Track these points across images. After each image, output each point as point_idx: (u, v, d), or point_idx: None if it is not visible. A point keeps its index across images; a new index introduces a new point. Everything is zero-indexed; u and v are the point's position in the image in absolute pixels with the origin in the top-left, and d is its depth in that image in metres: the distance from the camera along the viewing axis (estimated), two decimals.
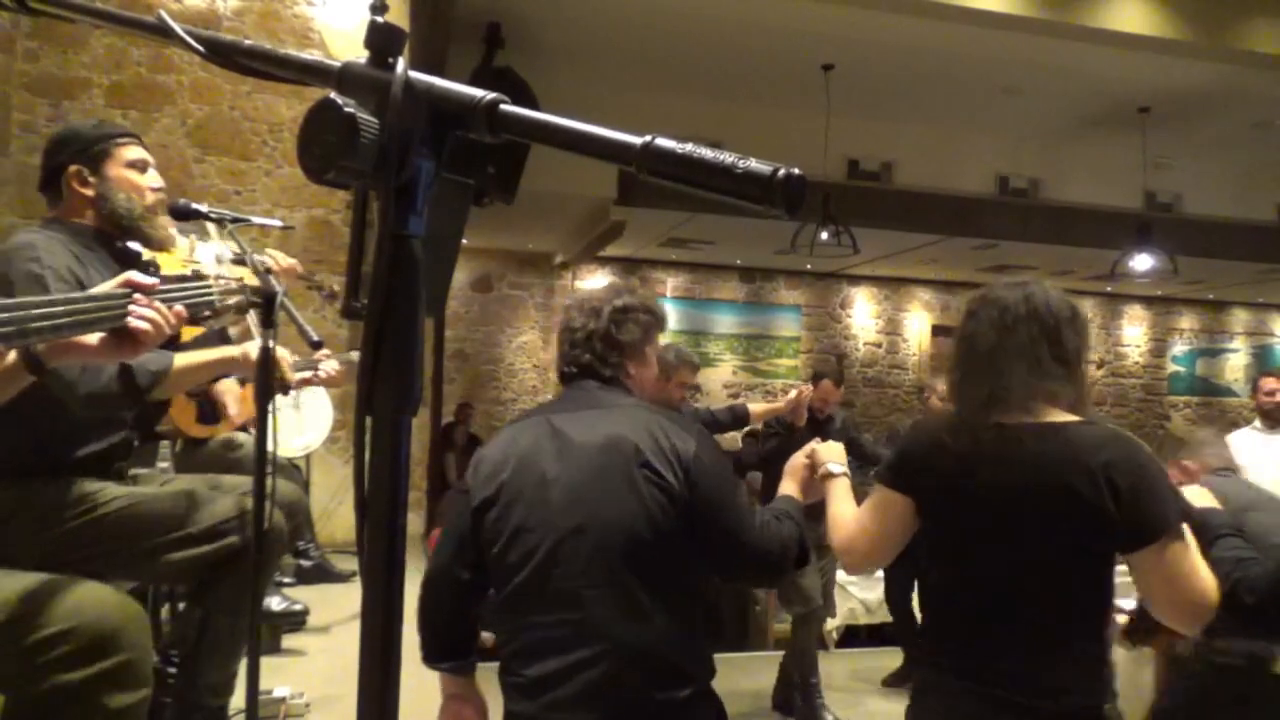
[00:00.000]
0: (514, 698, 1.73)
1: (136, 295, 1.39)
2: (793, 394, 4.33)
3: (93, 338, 1.37)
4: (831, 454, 1.96)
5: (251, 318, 2.26)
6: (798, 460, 1.98)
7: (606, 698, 1.62)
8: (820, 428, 4.66)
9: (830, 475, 1.92)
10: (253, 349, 2.02)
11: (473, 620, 1.91)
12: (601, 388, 1.86)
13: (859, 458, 5.01)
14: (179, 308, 1.47)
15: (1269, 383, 4.54)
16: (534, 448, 1.77)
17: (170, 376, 1.88)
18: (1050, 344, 1.61)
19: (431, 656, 1.94)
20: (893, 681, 5.30)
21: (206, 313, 1.79)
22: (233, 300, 1.86)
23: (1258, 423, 4.62)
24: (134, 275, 1.42)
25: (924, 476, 1.67)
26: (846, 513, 1.83)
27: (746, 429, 5.59)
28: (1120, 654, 2.88)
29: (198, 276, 1.76)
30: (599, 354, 1.87)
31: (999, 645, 1.59)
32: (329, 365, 2.90)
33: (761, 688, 5.02)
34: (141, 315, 1.38)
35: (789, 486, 1.94)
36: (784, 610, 4.97)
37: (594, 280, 11.36)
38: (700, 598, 1.77)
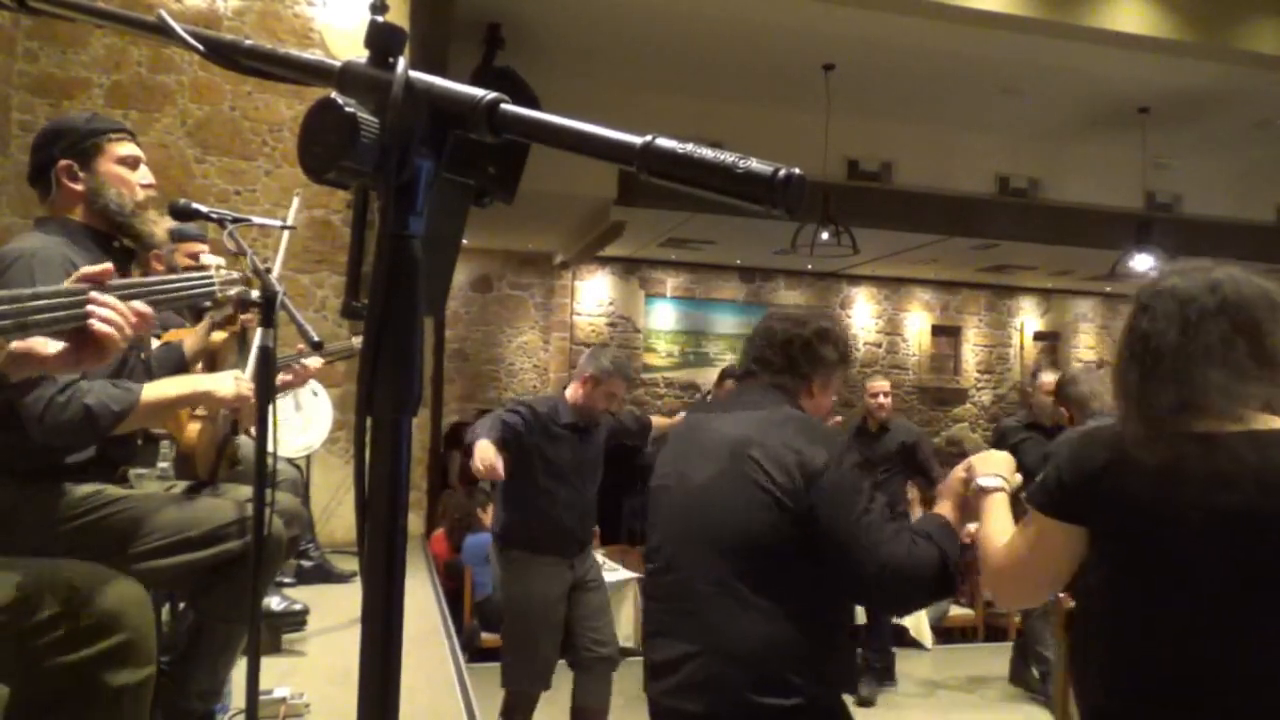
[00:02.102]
0: (648, 681, 1.81)
1: (93, 293, 1.23)
2: (682, 415, 4.29)
3: (51, 346, 1.23)
4: (991, 465, 1.72)
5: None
6: (955, 475, 1.78)
7: (707, 693, 1.66)
8: None
9: (982, 490, 1.68)
10: (221, 384, 1.98)
11: None
12: (772, 391, 1.83)
13: None
14: (140, 305, 1.30)
15: None
16: (687, 441, 1.87)
17: (136, 412, 1.81)
18: (1248, 341, 1.34)
19: None
20: None
21: (207, 303, 1.78)
22: (233, 291, 1.85)
23: None
24: (86, 269, 1.28)
25: (1106, 500, 1.37)
26: (998, 539, 1.55)
27: None
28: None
29: (198, 268, 1.75)
30: (792, 360, 1.85)
31: (1217, 697, 1.30)
32: (313, 361, 2.89)
33: None
34: (103, 318, 1.22)
35: (943, 505, 1.77)
36: None
37: (594, 280, 11.37)
38: (823, 610, 1.71)
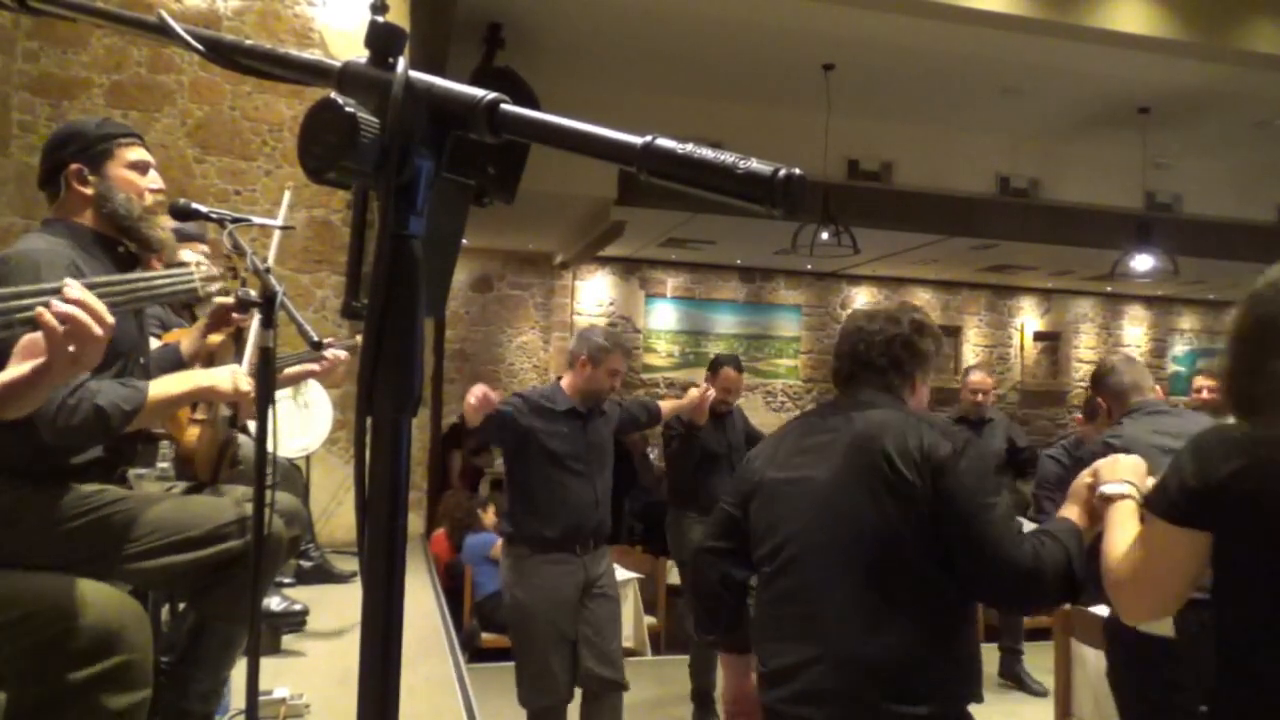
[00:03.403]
0: (762, 688, 1.76)
1: (66, 289, 1.17)
2: (693, 391, 4.19)
3: (24, 368, 1.20)
4: (1120, 470, 1.63)
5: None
6: (1081, 480, 1.72)
7: (832, 700, 1.61)
8: (721, 423, 4.57)
9: (1106, 498, 1.59)
10: (222, 379, 1.99)
11: (739, 598, 1.90)
12: (880, 394, 1.81)
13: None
14: (97, 306, 1.20)
15: (1199, 381, 4.57)
16: (796, 445, 1.82)
17: (144, 411, 1.83)
18: None
19: (699, 628, 1.99)
20: None
21: (193, 300, 1.79)
22: (214, 287, 1.85)
23: None
24: (69, 282, 1.21)
25: (1237, 506, 1.30)
26: (1119, 548, 1.46)
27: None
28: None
29: (178, 265, 1.75)
30: (896, 359, 1.83)
31: None
32: (336, 351, 2.88)
33: None
34: (64, 314, 1.15)
35: (1070, 509, 1.71)
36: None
37: (594, 280, 11.37)
38: (954, 618, 1.67)
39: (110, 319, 1.20)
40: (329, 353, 2.87)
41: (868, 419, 1.73)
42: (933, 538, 1.60)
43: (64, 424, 1.69)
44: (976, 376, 5.50)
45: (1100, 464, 1.67)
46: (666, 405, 4.18)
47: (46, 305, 1.14)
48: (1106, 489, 1.60)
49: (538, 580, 3.28)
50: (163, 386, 1.90)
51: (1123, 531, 1.49)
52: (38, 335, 1.17)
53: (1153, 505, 1.42)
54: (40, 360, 1.19)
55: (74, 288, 1.17)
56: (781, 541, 1.73)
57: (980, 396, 5.37)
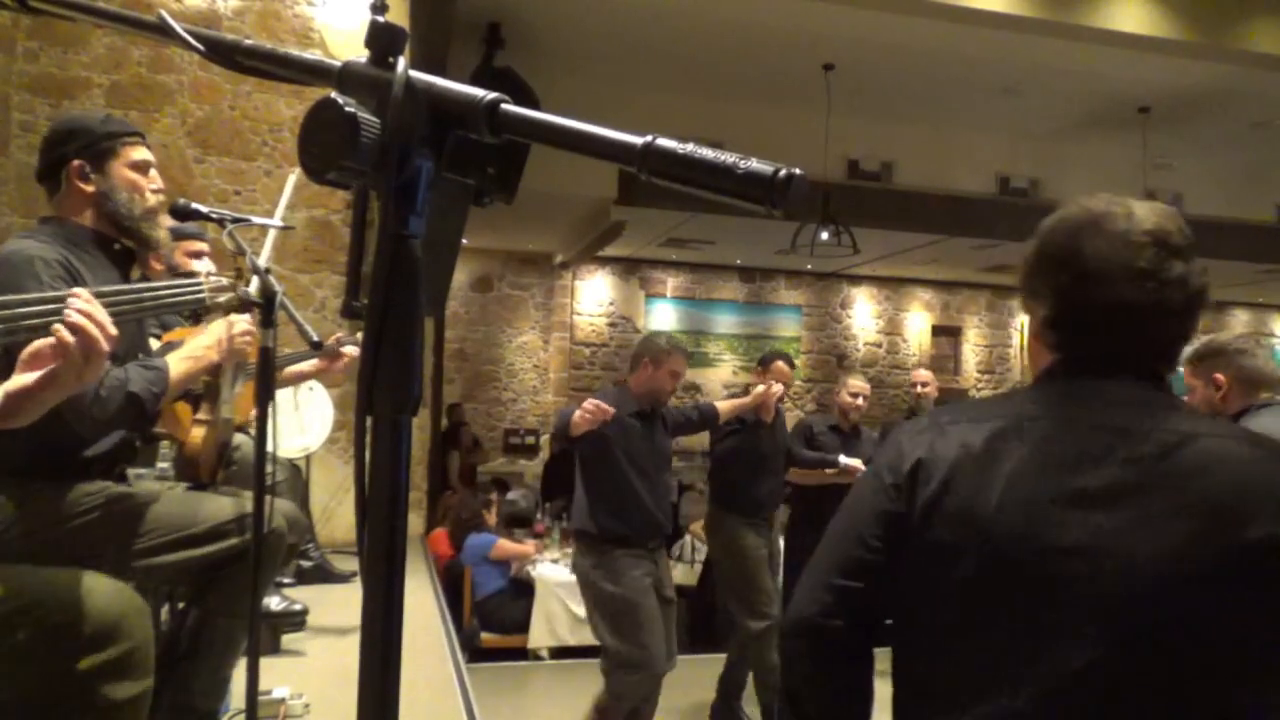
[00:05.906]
0: None
1: (71, 300, 1.19)
2: (759, 389, 4.11)
3: (30, 378, 1.20)
4: None
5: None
6: None
7: None
8: (771, 424, 4.44)
9: None
10: (219, 330, 1.98)
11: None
12: (1150, 388, 1.09)
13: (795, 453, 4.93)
14: (106, 319, 1.23)
15: None
16: (1056, 485, 1.04)
17: (170, 391, 1.88)
18: None
19: None
20: None
21: (199, 311, 1.80)
22: (223, 298, 1.86)
23: None
24: (78, 291, 1.24)
25: None
26: None
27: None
28: None
29: (187, 275, 1.76)
30: (1179, 329, 1.09)
31: None
32: (349, 348, 2.85)
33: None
34: (75, 323, 1.18)
35: None
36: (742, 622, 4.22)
37: (594, 280, 11.36)
38: None
39: (114, 330, 1.22)
40: (346, 348, 2.84)
41: (1199, 455, 1.01)
42: None
43: (101, 415, 1.73)
44: (857, 381, 4.99)
45: None
46: (725, 405, 4.14)
47: (59, 315, 1.16)
48: None
49: (633, 571, 3.48)
50: (178, 365, 1.93)
51: None
52: (43, 343, 1.19)
53: None
54: (48, 369, 1.21)
55: (81, 299, 1.19)
56: (1064, 644, 1.00)
57: (861, 402, 4.91)
